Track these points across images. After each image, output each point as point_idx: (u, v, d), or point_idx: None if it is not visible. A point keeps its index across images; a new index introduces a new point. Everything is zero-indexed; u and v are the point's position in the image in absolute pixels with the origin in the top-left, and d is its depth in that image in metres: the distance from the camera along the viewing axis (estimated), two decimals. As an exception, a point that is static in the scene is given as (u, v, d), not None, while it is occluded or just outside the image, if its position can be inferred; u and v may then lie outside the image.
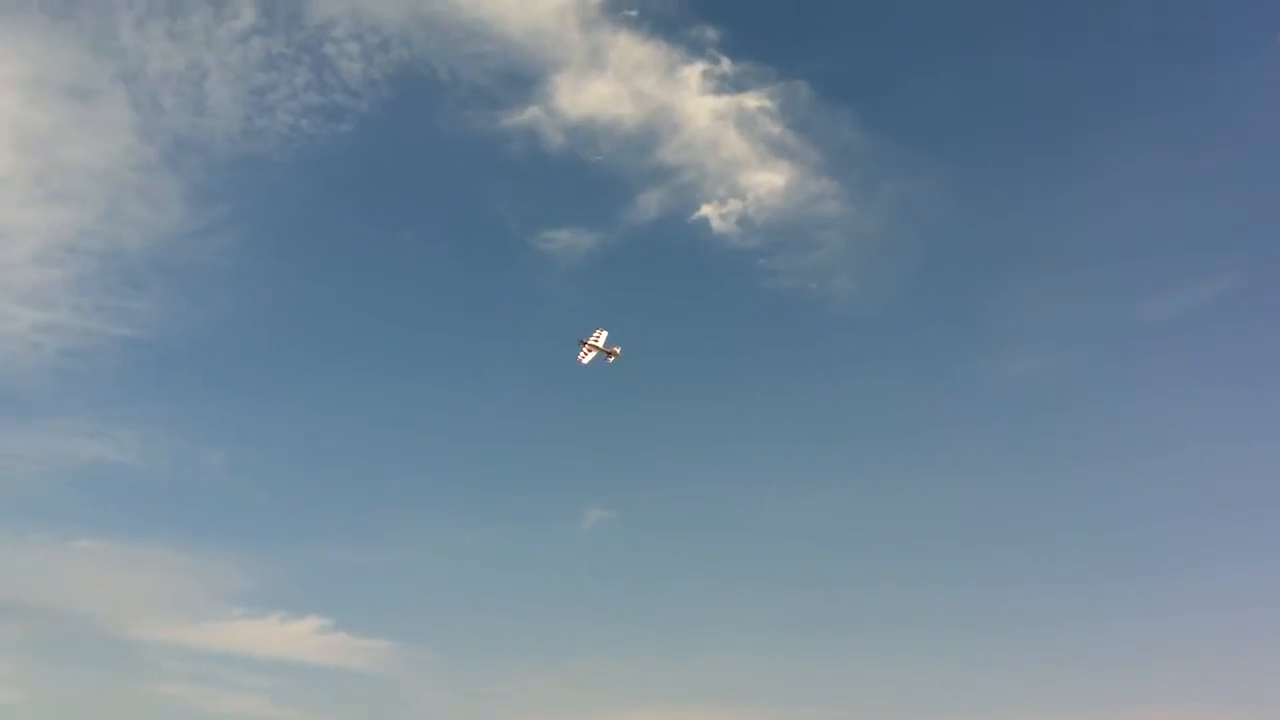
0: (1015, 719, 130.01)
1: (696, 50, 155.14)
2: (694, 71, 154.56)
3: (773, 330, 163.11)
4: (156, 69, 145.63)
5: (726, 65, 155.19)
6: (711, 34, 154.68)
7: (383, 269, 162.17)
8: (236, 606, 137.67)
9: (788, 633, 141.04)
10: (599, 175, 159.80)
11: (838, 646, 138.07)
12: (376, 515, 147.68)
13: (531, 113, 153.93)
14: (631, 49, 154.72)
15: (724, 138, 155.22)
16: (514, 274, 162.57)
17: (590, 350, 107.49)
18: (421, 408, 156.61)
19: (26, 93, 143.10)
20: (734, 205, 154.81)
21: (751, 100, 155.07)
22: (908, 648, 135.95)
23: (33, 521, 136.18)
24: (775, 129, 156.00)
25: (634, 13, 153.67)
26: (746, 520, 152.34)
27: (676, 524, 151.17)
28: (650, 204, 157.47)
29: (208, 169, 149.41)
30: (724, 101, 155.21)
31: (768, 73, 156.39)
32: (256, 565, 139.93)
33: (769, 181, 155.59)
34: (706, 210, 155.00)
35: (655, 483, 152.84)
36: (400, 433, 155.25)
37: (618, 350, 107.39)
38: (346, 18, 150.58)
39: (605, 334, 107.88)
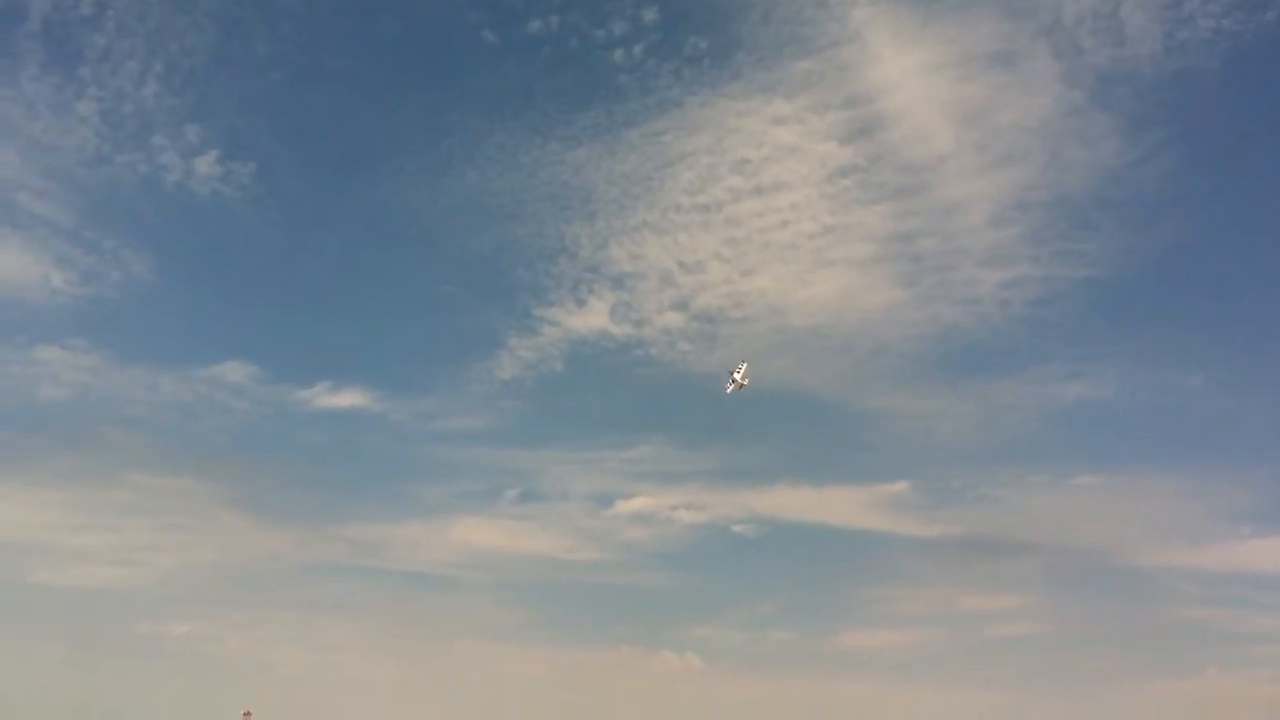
0: None
1: None
2: None
3: None
4: (1071, 13, 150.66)
5: None
6: None
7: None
8: (1245, 525, 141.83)
9: None
10: None
11: None
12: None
13: None
14: None
15: None
16: None
17: (733, 383, 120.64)
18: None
19: (955, 71, 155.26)
20: None
21: None
22: None
23: (1031, 464, 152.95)
24: None
25: None
26: None
27: None
28: None
29: (1136, 97, 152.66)
30: None
31: None
32: (1257, 483, 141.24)
33: None
34: None
35: None
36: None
37: (747, 382, 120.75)
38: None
39: (746, 365, 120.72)
